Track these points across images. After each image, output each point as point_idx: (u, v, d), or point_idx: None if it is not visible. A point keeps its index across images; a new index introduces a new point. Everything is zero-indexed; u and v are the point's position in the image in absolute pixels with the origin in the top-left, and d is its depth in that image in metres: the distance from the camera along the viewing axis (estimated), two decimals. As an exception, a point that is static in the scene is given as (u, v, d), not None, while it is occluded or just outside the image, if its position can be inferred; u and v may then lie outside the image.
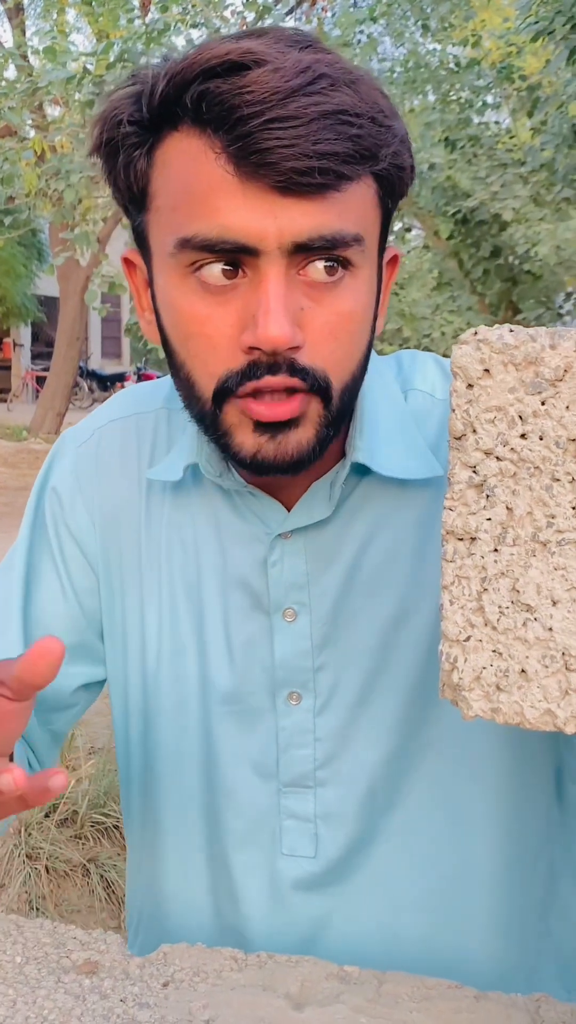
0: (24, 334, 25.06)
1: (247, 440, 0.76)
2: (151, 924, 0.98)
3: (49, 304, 21.20)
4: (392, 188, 0.76)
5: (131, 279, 0.85)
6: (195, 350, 0.76)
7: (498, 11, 9.69)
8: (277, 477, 0.79)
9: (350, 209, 0.72)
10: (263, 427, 0.75)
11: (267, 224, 0.70)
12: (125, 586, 0.94)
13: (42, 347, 25.13)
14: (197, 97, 0.70)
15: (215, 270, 0.73)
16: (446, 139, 10.67)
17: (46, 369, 18.09)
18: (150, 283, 0.81)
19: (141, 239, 0.80)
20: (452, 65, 10.72)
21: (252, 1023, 0.66)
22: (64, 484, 0.97)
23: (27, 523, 0.99)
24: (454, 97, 10.83)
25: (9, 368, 24.07)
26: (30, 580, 0.96)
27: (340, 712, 0.87)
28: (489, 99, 11.03)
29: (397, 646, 0.86)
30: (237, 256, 0.72)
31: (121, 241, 12.73)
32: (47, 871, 2.96)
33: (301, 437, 0.76)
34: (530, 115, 8.63)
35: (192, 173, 0.72)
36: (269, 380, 0.73)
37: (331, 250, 0.72)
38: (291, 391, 0.74)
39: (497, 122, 11.79)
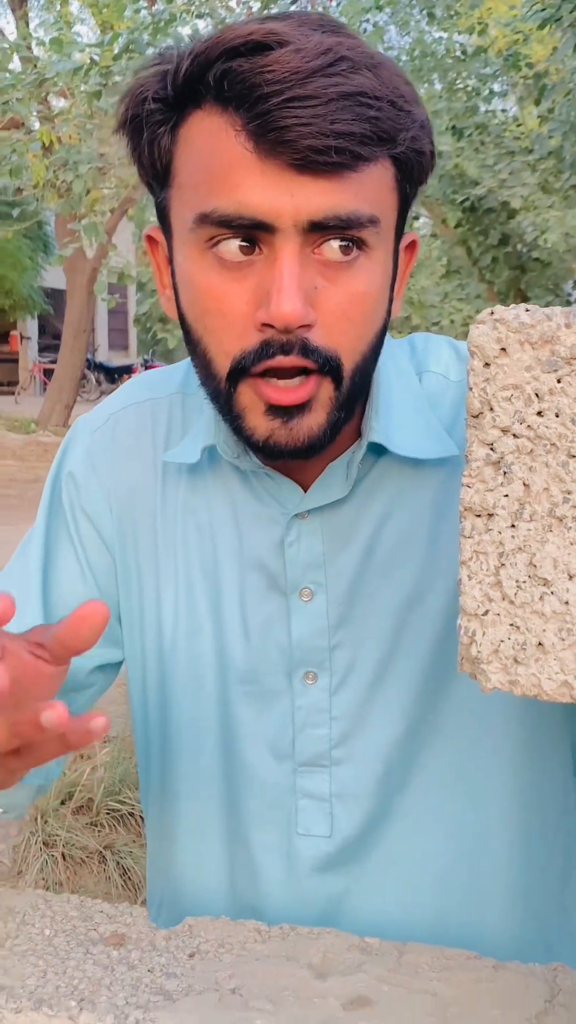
0: (31, 327, 25.07)
1: (260, 424, 0.77)
2: (172, 904, 0.99)
3: (56, 296, 21.21)
4: (410, 173, 0.77)
5: (153, 256, 0.87)
6: (211, 326, 0.77)
7: (504, -2, 9.64)
8: (289, 460, 0.80)
9: (366, 190, 0.74)
10: (275, 411, 0.76)
11: (284, 201, 0.72)
12: (141, 568, 0.95)
13: (49, 339, 25.14)
14: (220, 75, 0.72)
15: (232, 246, 0.74)
16: (453, 127, 10.65)
17: (53, 361, 18.12)
18: (170, 260, 0.82)
19: (163, 216, 0.81)
20: (458, 53, 10.69)
21: (277, 991, 0.68)
22: (80, 468, 0.98)
23: (44, 507, 1.00)
24: (461, 85, 10.81)
25: (16, 361, 24.09)
26: (48, 562, 0.98)
27: (356, 691, 0.88)
28: (496, 87, 11.00)
29: (412, 625, 0.87)
30: (254, 232, 0.74)
31: (127, 232, 12.73)
32: (63, 858, 2.99)
33: (312, 422, 0.77)
34: (537, 103, 8.61)
35: (213, 150, 0.74)
36: (281, 360, 0.74)
37: (346, 230, 0.73)
38: (303, 372, 0.75)
39: (504, 110, 11.76)
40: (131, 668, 0.99)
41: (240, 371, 0.76)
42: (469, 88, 10.81)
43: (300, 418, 0.76)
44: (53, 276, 20.00)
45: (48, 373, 20.23)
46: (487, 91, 10.85)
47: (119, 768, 3.21)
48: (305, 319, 0.73)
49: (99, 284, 7.14)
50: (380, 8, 9.59)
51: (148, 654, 0.96)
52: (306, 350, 0.74)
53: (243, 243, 0.74)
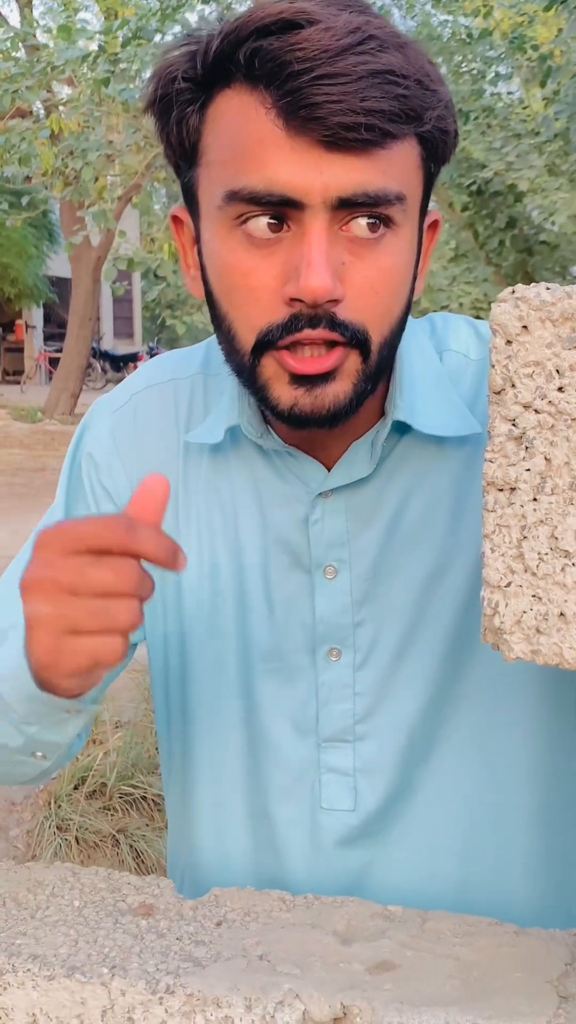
0: (36, 315, 25.08)
1: (284, 393, 0.78)
2: (194, 880, 1.01)
3: (61, 285, 21.21)
4: (435, 151, 0.79)
5: (178, 236, 0.87)
6: (238, 301, 0.78)
7: (509, -20, 9.59)
8: (315, 431, 0.81)
9: (393, 167, 0.75)
10: (299, 379, 0.77)
11: (313, 178, 0.73)
12: None
13: (54, 328, 25.17)
14: (250, 54, 0.73)
15: (261, 223, 0.75)
16: (459, 111, 10.58)
17: (59, 350, 18.13)
18: (197, 239, 0.83)
19: (190, 195, 0.82)
20: (463, 36, 10.63)
21: (303, 957, 0.70)
22: (100, 447, 0.98)
23: (63, 487, 1.01)
24: (466, 68, 10.77)
25: (22, 350, 24.11)
26: None
27: (379, 667, 0.89)
28: (501, 70, 10.95)
29: (434, 601, 0.88)
30: (282, 210, 0.75)
31: (133, 219, 12.72)
32: (77, 842, 3.02)
33: (338, 390, 0.78)
34: (543, 85, 8.56)
35: (242, 128, 0.75)
36: (308, 333, 0.75)
37: (374, 207, 0.74)
38: (330, 345, 0.76)
39: (510, 93, 11.71)
40: (152, 648, 1.00)
41: (266, 344, 0.77)
42: (474, 71, 10.78)
43: (325, 386, 0.77)
44: (58, 265, 20.01)
45: (54, 362, 20.25)
46: (492, 74, 10.83)
47: (132, 753, 3.24)
48: (333, 293, 0.74)
49: (107, 271, 7.16)
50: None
51: (170, 633, 0.97)
52: (334, 324, 0.75)
53: (271, 220, 0.75)
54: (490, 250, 13.20)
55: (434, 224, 0.87)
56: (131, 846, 3.02)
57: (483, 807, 0.90)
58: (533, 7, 7.86)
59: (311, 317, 0.75)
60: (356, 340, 0.76)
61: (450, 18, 10.86)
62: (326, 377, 0.77)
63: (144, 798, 3.16)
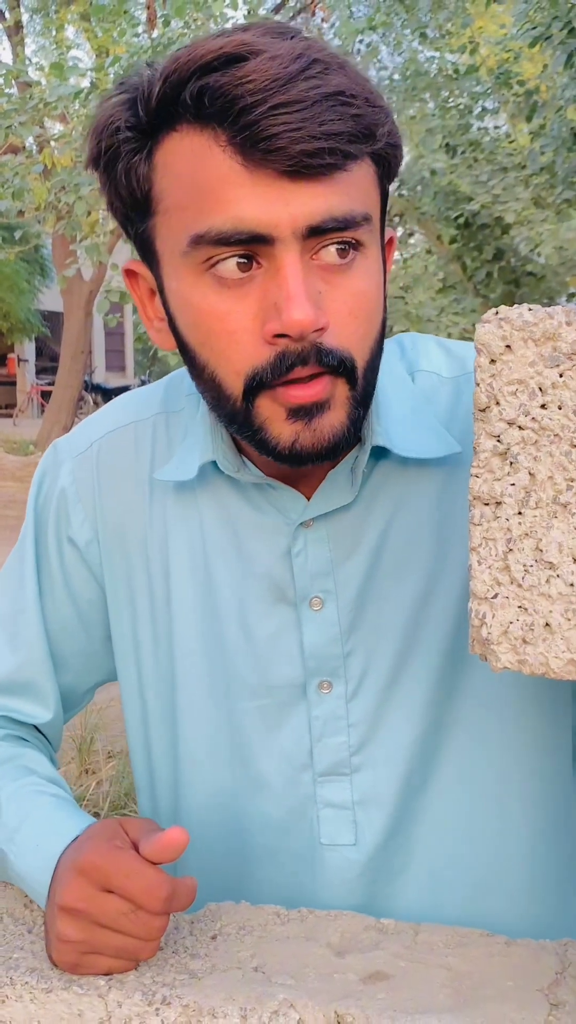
0: (28, 349, 25.14)
1: (284, 431, 0.76)
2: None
3: (53, 319, 21.27)
4: (388, 167, 0.78)
5: (134, 291, 0.85)
6: (218, 347, 0.76)
7: (495, 18, 9.76)
8: (311, 466, 0.80)
9: (355, 189, 0.74)
10: (296, 413, 0.76)
11: (279, 210, 0.71)
12: (134, 593, 0.94)
13: (46, 362, 25.21)
14: (197, 93, 0.71)
15: (230, 264, 0.74)
16: (446, 145, 10.76)
17: (51, 383, 18.16)
18: (159, 290, 0.81)
19: (146, 246, 0.80)
20: (450, 72, 10.80)
21: (297, 968, 0.70)
22: (64, 494, 0.96)
23: (29, 535, 0.98)
24: (453, 103, 10.93)
25: (14, 383, 24.15)
26: (42, 594, 0.97)
27: (371, 696, 0.87)
28: (488, 105, 11.11)
29: (424, 624, 0.87)
30: (252, 247, 0.73)
31: (125, 253, 12.80)
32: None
33: (334, 420, 0.77)
34: (529, 119, 8.69)
35: (198, 169, 0.73)
36: (300, 372, 0.74)
37: (343, 231, 0.74)
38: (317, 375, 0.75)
39: (497, 127, 11.87)
40: (127, 694, 0.98)
41: (257, 387, 0.75)
42: (461, 106, 10.93)
43: (321, 417, 0.76)
44: (50, 299, 20.08)
45: (46, 395, 20.28)
46: (479, 109, 10.99)
47: (124, 782, 3.22)
48: (318, 323, 0.73)
49: (100, 303, 7.20)
50: (373, 29, 9.70)
51: (145, 680, 0.95)
52: (320, 354, 0.74)
53: (240, 259, 0.74)
54: (478, 282, 13.32)
55: (390, 242, 0.86)
56: (124, 877, 3.00)
57: (486, 833, 0.89)
58: (518, 44, 8.00)
59: (298, 352, 0.74)
60: (343, 367, 0.76)
61: (437, 55, 11.03)
62: (321, 407, 0.76)
63: (137, 828, 3.14)
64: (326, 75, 0.71)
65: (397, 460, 0.87)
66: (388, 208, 0.84)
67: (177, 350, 0.82)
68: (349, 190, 0.73)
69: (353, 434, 0.79)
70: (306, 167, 0.70)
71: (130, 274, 0.85)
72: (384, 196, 0.80)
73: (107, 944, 0.71)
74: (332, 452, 0.78)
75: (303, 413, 0.76)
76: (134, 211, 0.79)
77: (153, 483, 0.93)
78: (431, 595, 0.87)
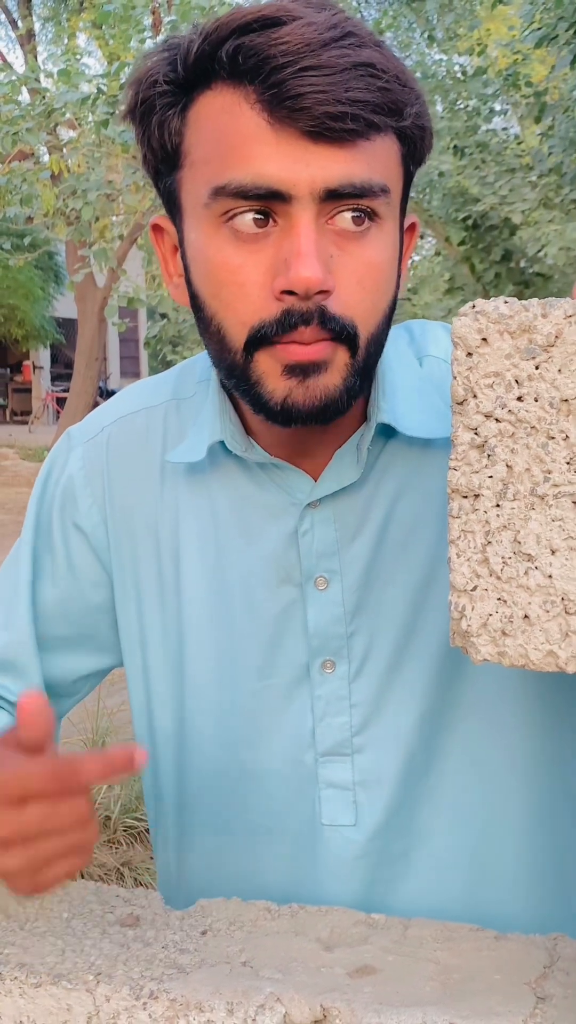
0: (43, 356, 25.24)
1: (277, 386, 0.78)
2: (188, 903, 1.00)
3: (67, 326, 21.36)
4: (414, 149, 0.80)
5: (158, 247, 0.88)
6: (227, 299, 0.78)
7: (503, 20, 9.77)
8: (304, 435, 0.81)
9: (377, 160, 0.76)
10: (292, 370, 0.77)
11: (299, 170, 0.74)
12: (141, 577, 0.95)
13: (61, 368, 25.30)
14: (233, 51, 0.74)
15: (247, 218, 0.76)
16: (455, 147, 10.75)
17: (66, 390, 18.21)
18: (180, 245, 0.84)
19: (172, 200, 0.82)
20: (459, 74, 10.80)
21: (286, 962, 0.71)
22: (72, 479, 0.98)
23: (31, 520, 1.00)
24: (462, 105, 10.92)
25: (30, 391, 24.25)
26: (36, 578, 0.98)
27: (374, 676, 0.88)
28: (496, 106, 11.10)
29: (427, 606, 0.87)
30: (269, 204, 0.75)
31: (137, 260, 12.85)
32: (82, 876, 3.00)
33: (328, 382, 0.78)
34: (538, 121, 8.68)
35: (227, 124, 0.76)
36: (302, 332, 0.76)
37: (360, 198, 0.76)
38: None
39: (505, 128, 11.86)
40: (132, 680, 0.99)
41: (259, 340, 0.77)
42: (470, 108, 10.92)
43: (316, 377, 0.77)
44: (65, 306, 20.15)
45: (61, 402, 20.36)
46: (488, 110, 10.97)
47: (136, 785, 3.23)
48: (325, 284, 0.75)
49: (110, 308, 7.23)
50: (381, 31, 9.72)
51: (151, 662, 0.96)
52: (324, 319, 0.76)
53: (257, 215, 0.76)
54: (486, 283, 13.30)
55: (412, 227, 0.87)
56: (136, 879, 3.00)
57: (488, 816, 0.89)
58: (526, 45, 7.99)
59: (302, 312, 0.75)
60: (345, 334, 0.77)
61: (445, 57, 11.04)
62: (318, 367, 0.77)
63: (148, 831, 3.15)
64: (359, 48, 0.74)
65: (403, 441, 0.88)
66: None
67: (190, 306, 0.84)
68: (370, 160, 0.75)
69: (347, 401, 0.80)
70: (328, 130, 0.73)
71: (156, 229, 0.88)
72: (408, 177, 0.82)
73: (49, 852, 0.69)
74: (323, 413, 0.79)
75: (299, 371, 0.77)
76: (164, 164, 0.81)
77: (165, 468, 0.95)
78: (435, 577, 0.88)
